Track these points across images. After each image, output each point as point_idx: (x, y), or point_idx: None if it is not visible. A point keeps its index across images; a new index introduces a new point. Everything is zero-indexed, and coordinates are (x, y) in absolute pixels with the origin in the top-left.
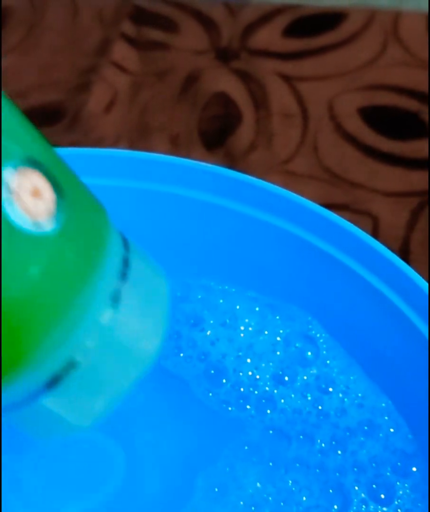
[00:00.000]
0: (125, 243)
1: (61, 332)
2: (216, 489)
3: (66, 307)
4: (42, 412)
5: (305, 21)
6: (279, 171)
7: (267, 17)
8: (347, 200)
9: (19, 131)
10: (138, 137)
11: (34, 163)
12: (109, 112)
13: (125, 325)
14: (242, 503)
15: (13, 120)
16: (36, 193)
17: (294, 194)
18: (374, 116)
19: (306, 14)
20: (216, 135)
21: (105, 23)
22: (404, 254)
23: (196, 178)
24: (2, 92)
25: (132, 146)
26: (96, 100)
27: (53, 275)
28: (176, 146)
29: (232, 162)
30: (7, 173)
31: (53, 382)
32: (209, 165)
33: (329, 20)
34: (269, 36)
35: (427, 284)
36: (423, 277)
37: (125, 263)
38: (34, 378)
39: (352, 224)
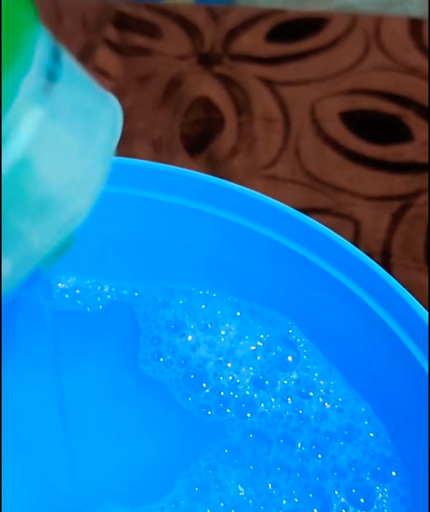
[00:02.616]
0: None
1: None
2: (196, 489)
3: None
4: None
5: (287, 26)
6: (261, 175)
7: (249, 22)
8: (329, 204)
9: None
10: (120, 142)
11: None
12: None
13: (43, 160)
14: (222, 504)
15: None
16: None
17: (275, 201)
18: (356, 120)
19: (288, 19)
20: (198, 139)
21: (88, 29)
22: (385, 257)
23: (177, 184)
24: None
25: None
26: None
27: None
28: (158, 151)
29: (214, 167)
30: None
31: None
32: (190, 171)
33: (312, 25)
34: (252, 41)
35: (405, 289)
36: (403, 281)
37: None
38: None
39: (331, 231)
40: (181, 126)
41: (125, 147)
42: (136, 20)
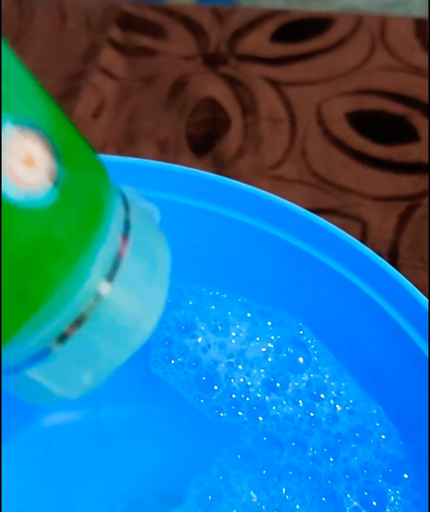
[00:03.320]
0: (126, 206)
1: (56, 302)
2: (209, 497)
3: (60, 277)
4: (31, 380)
5: (292, 26)
6: (267, 176)
7: (254, 22)
8: (336, 205)
9: (22, 82)
10: (126, 143)
11: (34, 124)
12: (97, 118)
13: (122, 297)
14: (235, 511)
15: (17, 70)
16: (29, 162)
17: (284, 200)
18: (362, 121)
19: (293, 19)
20: (204, 140)
21: (93, 29)
22: (393, 258)
23: (186, 184)
24: (4, 40)
25: (120, 152)
26: (84, 106)
27: (46, 244)
28: (164, 152)
29: (220, 168)
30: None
31: (44, 353)
32: (198, 171)
33: (317, 25)
34: (257, 41)
35: (416, 289)
36: (411, 282)
37: (126, 227)
38: (25, 347)
39: (341, 230)
40: (187, 126)
41: (130, 147)
42: (141, 20)
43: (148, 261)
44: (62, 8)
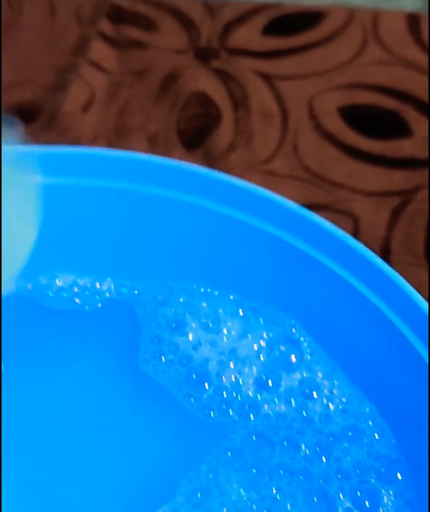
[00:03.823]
0: None
1: None
2: (199, 495)
3: None
4: None
5: (284, 20)
6: (259, 171)
7: (246, 16)
8: (328, 200)
9: None
10: (116, 137)
11: None
12: (87, 111)
13: None
14: (225, 509)
15: None
16: None
17: (277, 196)
18: (354, 115)
19: (285, 13)
20: (194, 134)
21: (83, 22)
22: (385, 254)
23: (176, 178)
24: None
25: (110, 146)
26: (74, 99)
27: None
28: (154, 146)
29: (211, 162)
30: None
31: None
32: (189, 165)
33: (309, 19)
34: (248, 35)
35: (409, 286)
36: (404, 278)
37: None
38: None
39: (336, 227)
40: (178, 121)
41: (121, 141)
42: (131, 13)
43: None
44: (51, 1)
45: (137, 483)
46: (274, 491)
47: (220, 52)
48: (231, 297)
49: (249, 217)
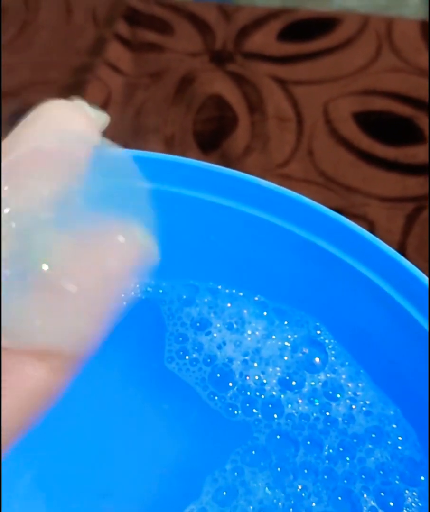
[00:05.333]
0: None
1: None
2: (224, 493)
3: None
4: None
5: (299, 25)
6: (275, 174)
7: (261, 20)
8: (343, 205)
9: None
10: (132, 138)
11: None
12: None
13: None
14: (251, 507)
15: None
16: None
17: (304, 197)
18: (369, 121)
19: (300, 19)
20: (210, 137)
21: (99, 23)
22: None
23: (202, 178)
24: None
25: (126, 147)
26: (90, 99)
27: None
28: (171, 148)
29: (228, 165)
30: None
31: None
32: (214, 165)
33: (324, 25)
34: (264, 40)
35: None
36: None
37: None
38: None
39: (363, 229)
40: (193, 123)
41: (137, 143)
42: (147, 16)
43: None
44: (68, 1)
45: (162, 482)
46: (299, 489)
47: (235, 56)
48: (256, 298)
49: (275, 218)
